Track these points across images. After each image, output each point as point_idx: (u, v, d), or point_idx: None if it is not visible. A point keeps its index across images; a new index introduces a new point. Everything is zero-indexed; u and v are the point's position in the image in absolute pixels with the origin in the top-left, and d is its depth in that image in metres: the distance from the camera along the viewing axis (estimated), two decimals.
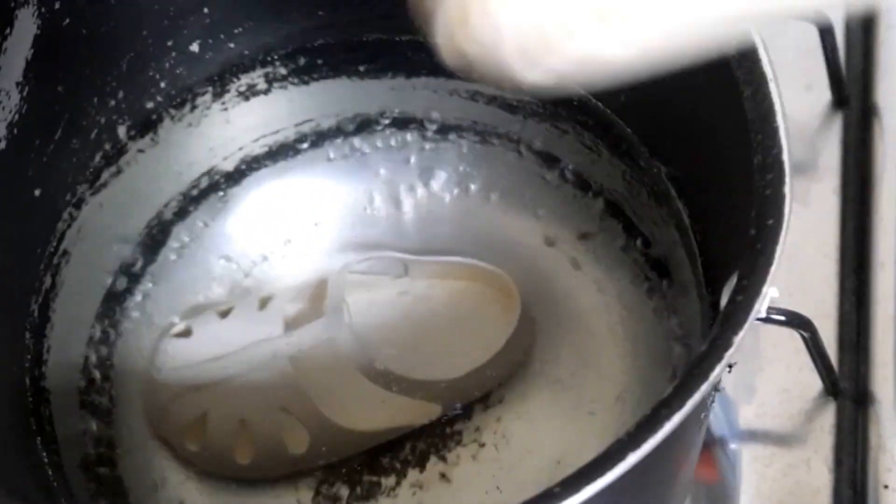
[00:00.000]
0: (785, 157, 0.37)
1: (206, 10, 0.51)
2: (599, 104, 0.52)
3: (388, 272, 0.56)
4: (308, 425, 0.52)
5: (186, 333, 0.55)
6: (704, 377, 0.35)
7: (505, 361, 0.53)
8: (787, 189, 0.36)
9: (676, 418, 0.34)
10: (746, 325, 0.35)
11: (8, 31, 0.45)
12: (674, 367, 0.52)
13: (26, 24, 0.45)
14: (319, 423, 0.52)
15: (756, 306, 0.35)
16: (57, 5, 0.45)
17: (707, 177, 0.45)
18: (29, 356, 0.49)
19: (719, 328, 0.35)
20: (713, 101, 0.42)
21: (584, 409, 0.54)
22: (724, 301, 0.38)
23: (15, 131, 0.46)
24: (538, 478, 0.52)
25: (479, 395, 0.54)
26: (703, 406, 0.41)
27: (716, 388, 0.40)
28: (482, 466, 0.53)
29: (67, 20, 0.46)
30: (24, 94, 0.46)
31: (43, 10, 0.45)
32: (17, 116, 0.46)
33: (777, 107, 0.38)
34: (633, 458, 0.34)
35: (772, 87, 0.38)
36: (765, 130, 0.37)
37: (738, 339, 0.35)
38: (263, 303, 0.55)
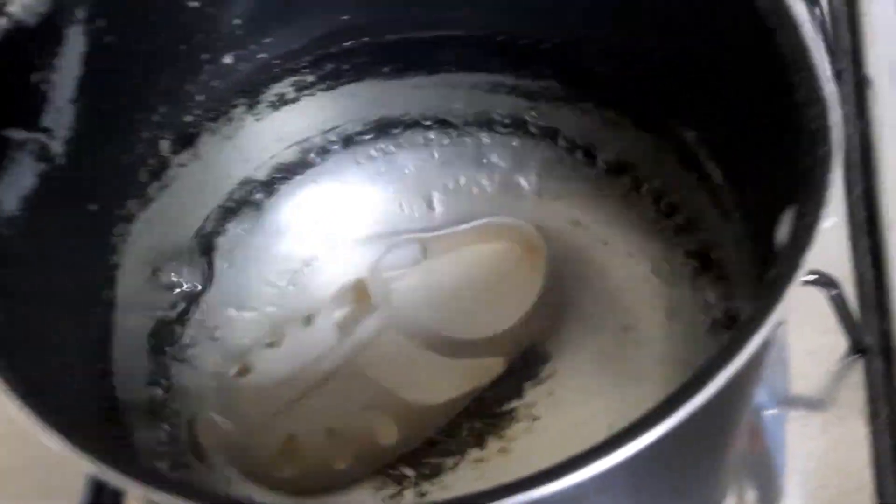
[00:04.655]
0: (826, 90, 0.39)
1: (236, 21, 0.52)
2: (620, 78, 0.53)
3: (412, 257, 0.58)
4: (394, 415, 0.53)
5: (245, 372, 0.56)
6: (777, 298, 0.36)
7: (546, 310, 0.56)
8: (832, 120, 0.38)
9: (757, 339, 0.35)
10: (812, 247, 0.37)
11: (59, 48, 0.46)
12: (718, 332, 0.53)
13: (75, 42, 0.46)
14: (403, 409, 0.54)
15: (819, 230, 0.37)
16: (102, 23, 0.47)
17: (740, 134, 0.47)
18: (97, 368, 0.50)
19: (788, 252, 0.36)
20: (740, 53, 0.44)
21: (629, 377, 0.55)
22: (780, 237, 0.39)
23: (71, 147, 0.47)
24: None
25: (531, 343, 0.56)
26: (769, 345, 0.42)
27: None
28: (538, 438, 0.55)
29: (111, 37, 0.48)
30: (76, 111, 0.47)
31: (89, 27, 0.47)
32: (70, 133, 0.47)
33: (809, 45, 0.40)
34: (698, 401, 0.34)
35: (801, 27, 0.40)
36: (803, 68, 0.39)
37: (805, 261, 0.36)
38: (308, 320, 0.57)
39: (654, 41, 0.50)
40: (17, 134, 0.45)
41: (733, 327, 0.52)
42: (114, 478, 0.34)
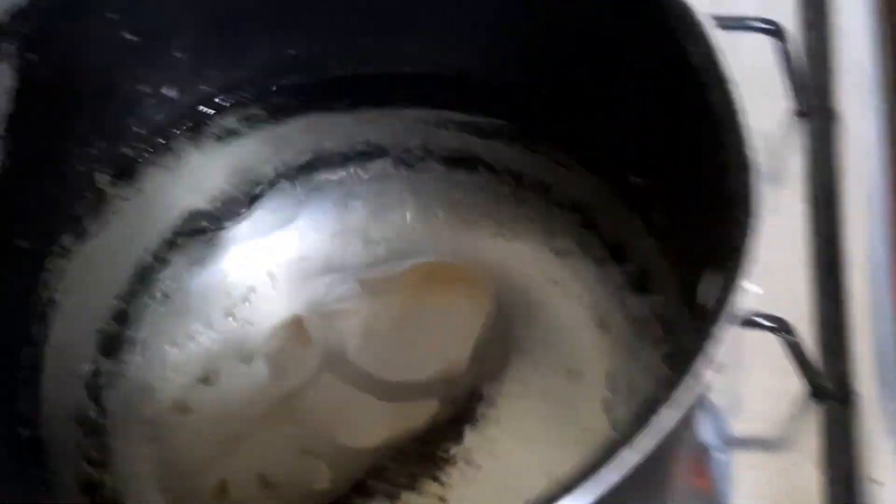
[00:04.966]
0: (751, 155, 0.38)
1: (177, 55, 0.52)
2: (570, 121, 0.53)
3: (352, 294, 0.57)
4: (327, 458, 0.53)
5: (183, 410, 0.55)
6: (689, 371, 0.35)
7: (488, 351, 0.55)
8: (755, 183, 0.37)
9: (665, 414, 0.35)
10: (724, 318, 0.36)
11: None
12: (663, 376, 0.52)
13: (5, 79, 0.46)
14: (337, 452, 0.53)
15: (733, 300, 0.36)
16: (34, 58, 0.46)
17: (681, 184, 0.46)
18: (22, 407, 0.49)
19: (701, 323, 0.36)
20: (682, 106, 0.43)
21: (576, 424, 0.54)
22: (701, 299, 0.39)
23: None
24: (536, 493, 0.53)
25: (472, 385, 0.55)
26: (692, 402, 0.42)
27: (705, 387, 0.40)
28: (478, 487, 0.54)
29: (44, 71, 0.47)
30: (5, 147, 0.47)
31: (19, 62, 0.46)
32: (0, 170, 0.47)
33: (739, 107, 0.39)
34: (627, 457, 0.34)
35: (733, 87, 0.39)
36: (732, 129, 0.39)
37: (718, 332, 0.36)
38: (246, 358, 0.56)
39: (599, 90, 0.49)
40: None
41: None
42: None
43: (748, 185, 0.37)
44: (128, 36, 0.50)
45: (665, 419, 0.35)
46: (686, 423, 0.42)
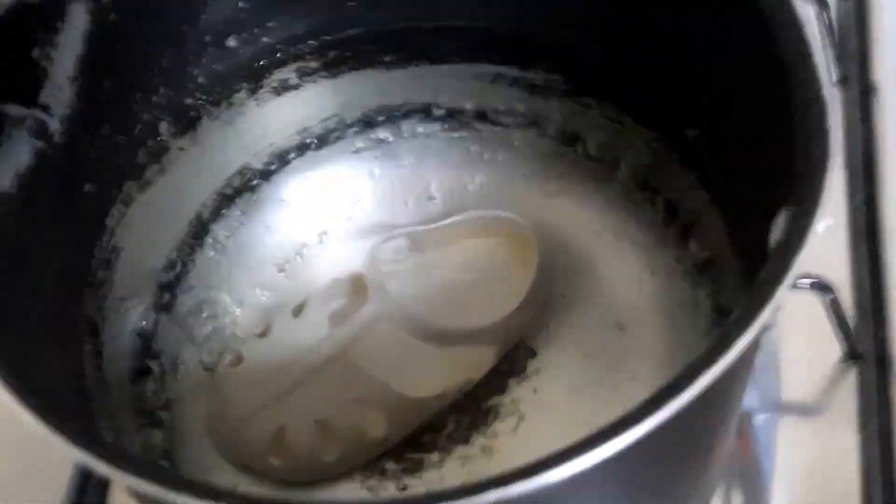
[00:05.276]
0: (825, 92, 0.39)
1: (241, 4, 0.52)
2: (622, 75, 0.53)
3: (406, 249, 0.58)
4: (384, 407, 0.53)
5: (237, 362, 0.56)
6: (766, 300, 0.35)
7: (536, 302, 0.56)
8: (830, 122, 0.38)
9: (743, 340, 0.34)
10: (803, 250, 0.36)
11: (60, 25, 0.46)
12: (712, 332, 0.53)
13: (78, 19, 0.46)
14: (394, 401, 0.53)
15: (812, 232, 0.37)
16: (107, 1, 0.47)
17: (738, 132, 0.46)
18: (85, 351, 0.50)
19: (779, 254, 0.36)
20: (742, 52, 0.44)
21: (623, 374, 0.55)
22: (774, 239, 0.39)
23: (67, 126, 0.47)
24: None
25: (521, 335, 0.56)
26: (756, 346, 0.42)
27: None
28: (523, 438, 0.55)
29: (114, 15, 0.47)
30: (76, 89, 0.47)
31: (93, 4, 0.46)
32: (69, 111, 0.47)
33: (811, 47, 0.39)
34: (682, 400, 0.33)
35: (804, 27, 0.40)
36: (805, 67, 0.39)
37: (796, 263, 0.36)
38: (298, 311, 0.57)
39: (656, 40, 0.50)
40: (15, 110, 0.44)
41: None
42: (100, 467, 0.34)
43: (825, 123, 0.38)
44: None
45: (735, 350, 0.35)
46: (752, 355, 0.43)
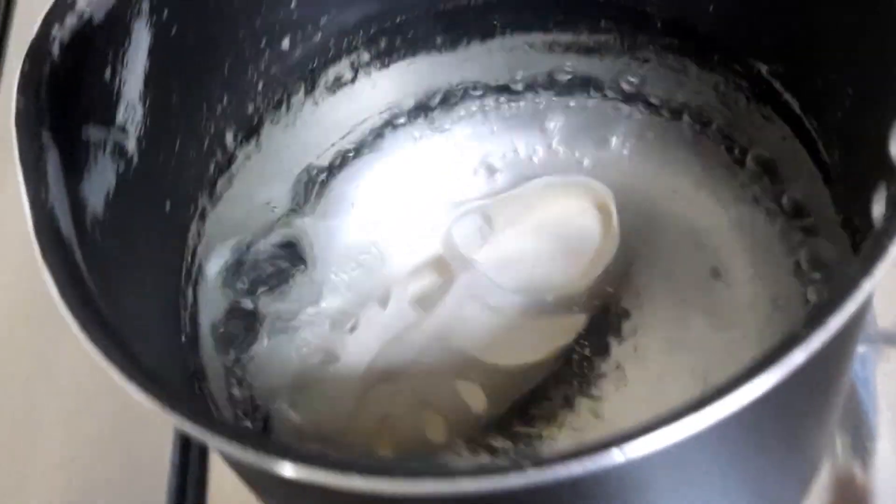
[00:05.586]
0: None
1: (292, 4, 0.52)
2: (682, 20, 0.53)
3: (480, 224, 0.58)
4: (481, 380, 0.53)
5: (330, 360, 0.56)
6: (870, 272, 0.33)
7: (622, 261, 0.56)
8: None
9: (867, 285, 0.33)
10: None
11: (127, 43, 0.45)
12: (806, 278, 0.53)
13: (141, 36, 0.46)
14: (492, 375, 0.53)
15: None
16: (165, 14, 0.46)
17: (819, 55, 0.46)
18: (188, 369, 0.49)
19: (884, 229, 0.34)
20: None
21: (716, 324, 0.54)
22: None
23: (143, 145, 0.46)
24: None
25: (609, 296, 0.55)
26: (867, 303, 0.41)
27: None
28: (630, 397, 0.54)
29: (174, 28, 0.47)
30: (146, 106, 0.46)
31: (153, 19, 0.46)
32: (142, 129, 0.46)
33: None
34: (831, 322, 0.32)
35: None
36: None
37: None
38: (384, 301, 0.56)
39: None
40: (97, 131, 0.44)
41: (821, 270, 0.51)
42: (200, 433, 0.33)
43: None
44: None
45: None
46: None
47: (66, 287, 0.36)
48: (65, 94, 0.42)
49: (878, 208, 0.40)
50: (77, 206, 0.41)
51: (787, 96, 0.50)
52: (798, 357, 0.32)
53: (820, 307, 0.33)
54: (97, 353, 0.35)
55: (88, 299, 0.37)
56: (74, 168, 0.42)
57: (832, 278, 0.49)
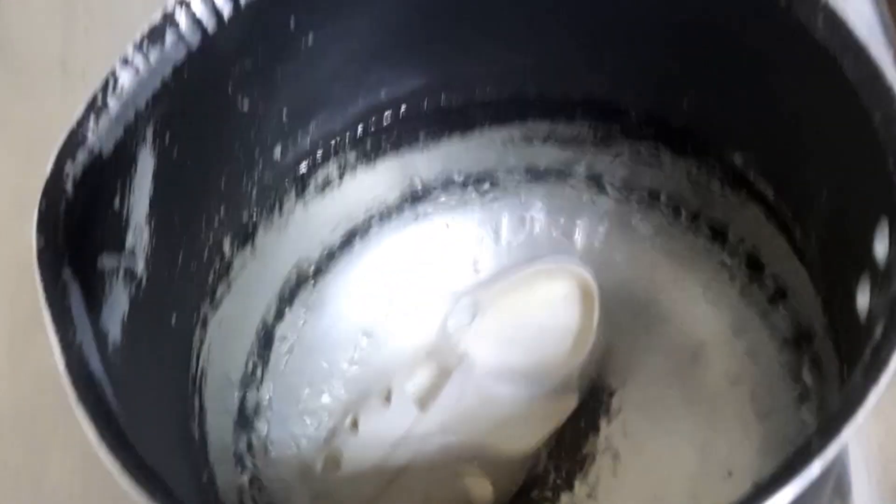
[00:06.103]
0: None
1: (284, 113, 0.53)
2: (657, 118, 0.55)
3: (470, 314, 0.60)
4: (487, 469, 0.55)
5: (334, 464, 0.56)
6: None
7: (605, 343, 0.58)
8: None
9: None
10: None
11: (133, 170, 0.46)
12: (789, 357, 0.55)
13: (146, 162, 0.47)
14: (493, 461, 0.55)
15: None
16: (167, 138, 0.47)
17: (796, 150, 0.48)
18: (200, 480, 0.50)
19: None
20: (799, 80, 0.46)
21: (704, 400, 0.57)
22: (879, 250, 0.41)
23: (150, 266, 0.48)
24: (685, 477, 0.55)
25: (597, 378, 0.58)
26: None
27: None
28: (623, 479, 0.56)
29: (175, 150, 0.48)
30: (152, 227, 0.48)
31: (157, 143, 0.47)
32: (149, 250, 0.48)
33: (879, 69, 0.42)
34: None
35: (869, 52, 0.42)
36: (875, 89, 0.41)
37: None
38: (383, 398, 0.58)
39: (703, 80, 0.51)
40: (110, 259, 0.45)
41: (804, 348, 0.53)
42: None
43: None
44: (241, 106, 0.51)
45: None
46: None
47: (104, 432, 0.38)
48: (80, 228, 0.44)
49: (863, 298, 0.43)
50: (100, 338, 0.42)
51: (762, 185, 0.53)
52: (815, 469, 0.34)
53: (830, 418, 0.35)
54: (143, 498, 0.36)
55: (125, 442, 0.38)
56: (94, 300, 0.43)
57: (817, 361, 0.52)
